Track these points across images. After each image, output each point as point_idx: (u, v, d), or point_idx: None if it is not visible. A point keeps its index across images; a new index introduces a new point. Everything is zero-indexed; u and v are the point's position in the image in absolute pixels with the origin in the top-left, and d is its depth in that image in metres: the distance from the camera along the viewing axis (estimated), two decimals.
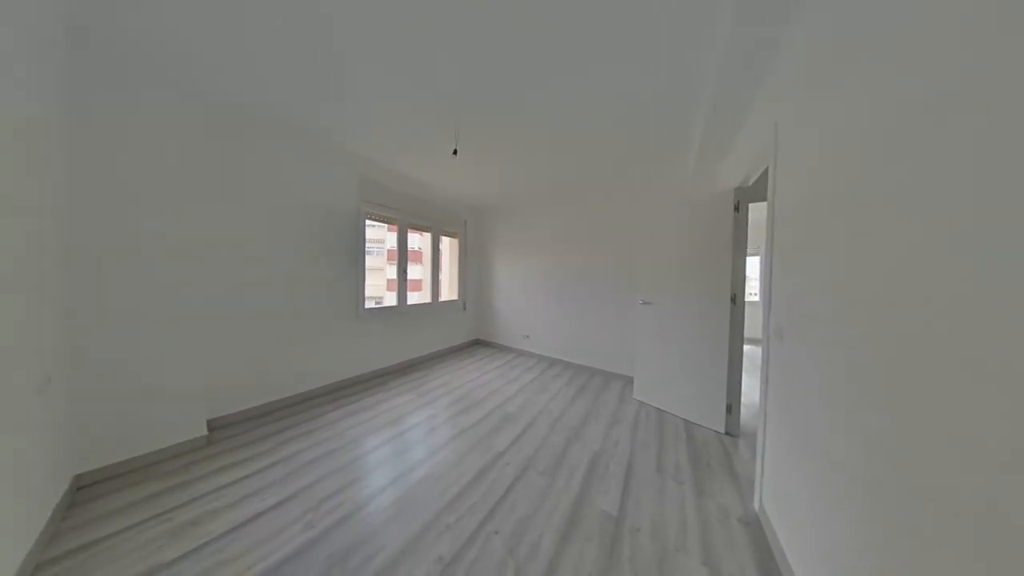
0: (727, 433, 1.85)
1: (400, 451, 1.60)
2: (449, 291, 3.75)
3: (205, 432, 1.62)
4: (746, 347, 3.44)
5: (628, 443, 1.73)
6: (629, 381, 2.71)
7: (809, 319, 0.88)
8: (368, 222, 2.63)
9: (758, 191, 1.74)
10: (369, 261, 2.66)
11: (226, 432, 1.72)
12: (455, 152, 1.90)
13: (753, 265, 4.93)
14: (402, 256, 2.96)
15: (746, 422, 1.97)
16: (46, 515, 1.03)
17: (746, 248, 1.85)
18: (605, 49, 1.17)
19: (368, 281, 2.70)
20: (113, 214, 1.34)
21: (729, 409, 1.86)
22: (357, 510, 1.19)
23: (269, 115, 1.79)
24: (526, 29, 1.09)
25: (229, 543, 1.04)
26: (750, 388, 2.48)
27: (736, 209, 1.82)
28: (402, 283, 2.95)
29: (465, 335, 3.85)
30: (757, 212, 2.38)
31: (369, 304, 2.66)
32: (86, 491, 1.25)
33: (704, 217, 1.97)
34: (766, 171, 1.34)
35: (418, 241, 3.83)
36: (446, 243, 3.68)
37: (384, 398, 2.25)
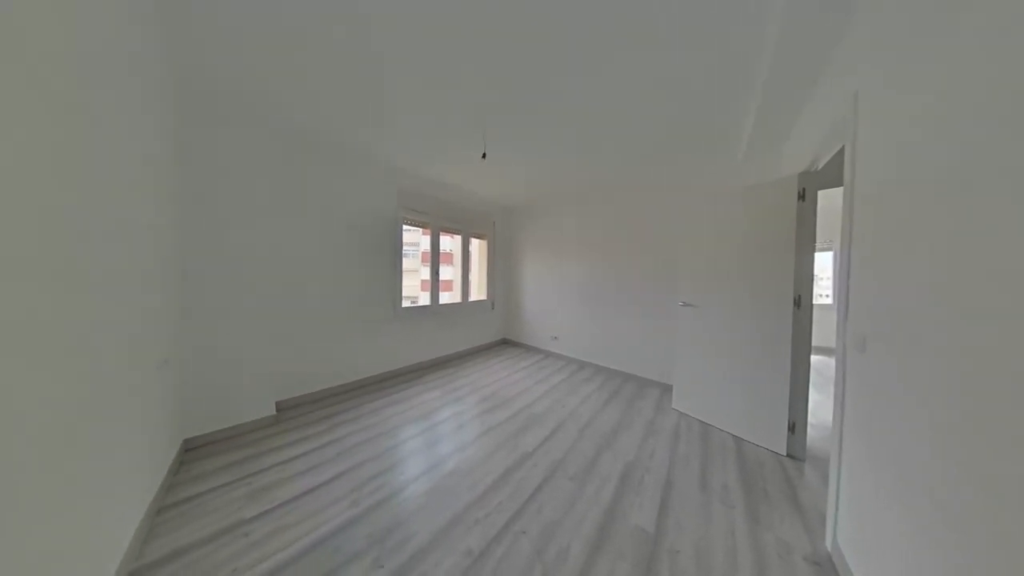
0: (789, 455, 1.62)
1: (431, 443, 1.68)
2: (478, 291, 3.85)
3: (274, 412, 1.88)
4: (814, 358, 2.96)
5: (666, 456, 1.60)
6: (667, 389, 2.52)
7: (901, 327, 0.73)
8: (405, 227, 2.82)
9: (829, 176, 1.49)
10: (405, 263, 2.85)
11: (290, 413, 1.97)
12: (484, 156, 1.94)
13: (823, 262, 4.24)
14: (435, 258, 3.12)
15: (813, 444, 1.70)
16: (165, 469, 1.29)
17: (814, 242, 1.60)
18: (643, 31, 1.10)
19: (404, 282, 2.89)
20: (212, 230, 1.62)
21: (792, 428, 1.62)
22: (394, 495, 1.28)
23: (326, 141, 2.02)
24: (555, 19, 1.07)
25: (291, 509, 1.19)
26: (819, 406, 2.15)
27: (801, 197, 1.58)
28: (435, 283, 3.11)
29: (493, 334, 3.91)
30: (828, 200, 2.04)
31: (405, 303, 2.84)
32: (191, 453, 1.53)
33: (760, 208, 1.74)
34: (840, 152, 1.14)
35: (449, 243, 3.99)
36: (476, 244, 3.78)
37: (418, 392, 2.38)
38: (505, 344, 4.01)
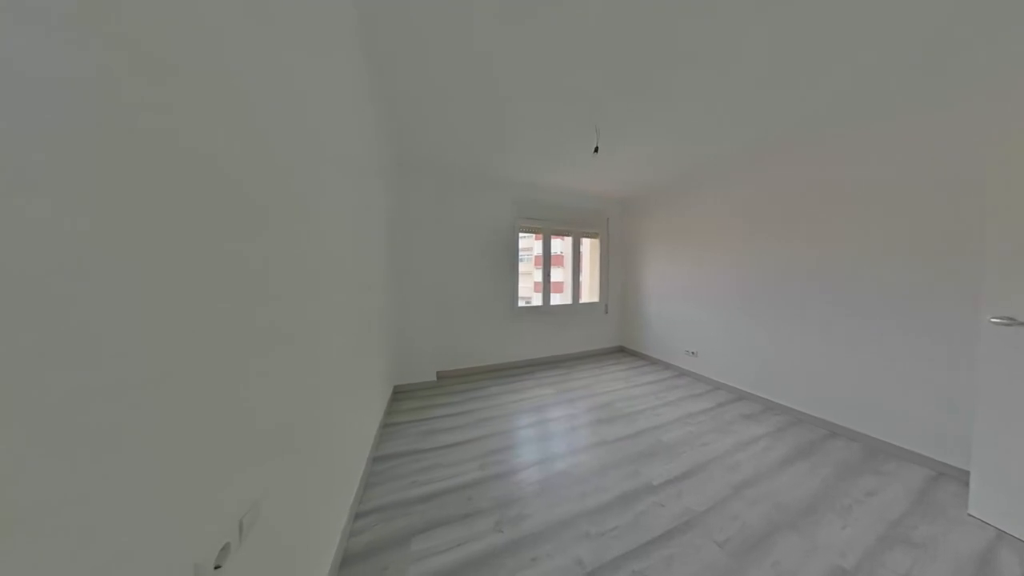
0: None
1: (544, 437, 1.75)
2: (590, 293, 3.67)
3: (435, 378, 2.58)
4: None
5: None
6: (946, 473, 1.42)
7: None
8: (520, 234, 3.12)
9: None
10: (520, 267, 3.14)
11: (444, 382, 2.63)
12: (596, 150, 1.83)
13: None
14: (546, 261, 3.25)
15: None
16: (385, 402, 2.05)
17: None
18: None
19: (520, 283, 3.19)
20: (406, 247, 2.46)
21: None
22: (512, 472, 1.43)
23: (463, 170, 2.60)
24: None
25: (444, 453, 1.58)
26: None
27: None
28: (546, 285, 3.24)
29: (607, 340, 3.60)
30: None
31: (520, 303, 3.13)
32: (396, 395, 2.35)
33: None
34: None
35: (559, 246, 4.04)
36: (587, 244, 3.63)
37: (531, 385, 2.55)
38: (622, 353, 3.60)
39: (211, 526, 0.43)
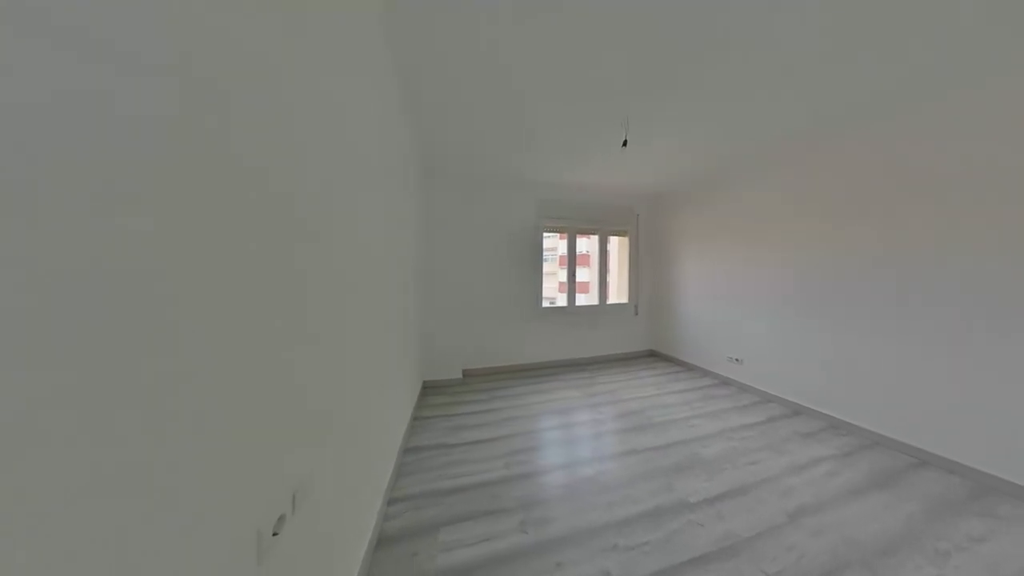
0: None
1: (569, 440, 1.72)
2: (618, 293, 3.51)
3: (461, 377, 2.66)
4: None
5: None
6: None
7: None
8: (544, 234, 3.08)
9: None
10: (544, 267, 3.10)
11: (468, 380, 2.70)
12: (624, 143, 1.74)
13: None
14: (571, 260, 3.17)
15: None
16: (416, 396, 2.16)
17: None
18: None
19: (544, 283, 3.16)
20: (432, 247, 2.57)
21: None
22: (536, 473, 1.42)
23: (488, 172, 2.63)
24: None
25: (469, 450, 1.61)
26: None
27: None
28: (571, 285, 3.16)
29: (637, 343, 3.41)
30: None
31: (544, 303, 3.09)
32: (425, 390, 2.46)
33: None
34: None
35: (585, 245, 3.92)
36: (614, 243, 3.48)
37: (557, 387, 2.51)
38: (653, 357, 3.39)
39: (270, 498, 0.48)
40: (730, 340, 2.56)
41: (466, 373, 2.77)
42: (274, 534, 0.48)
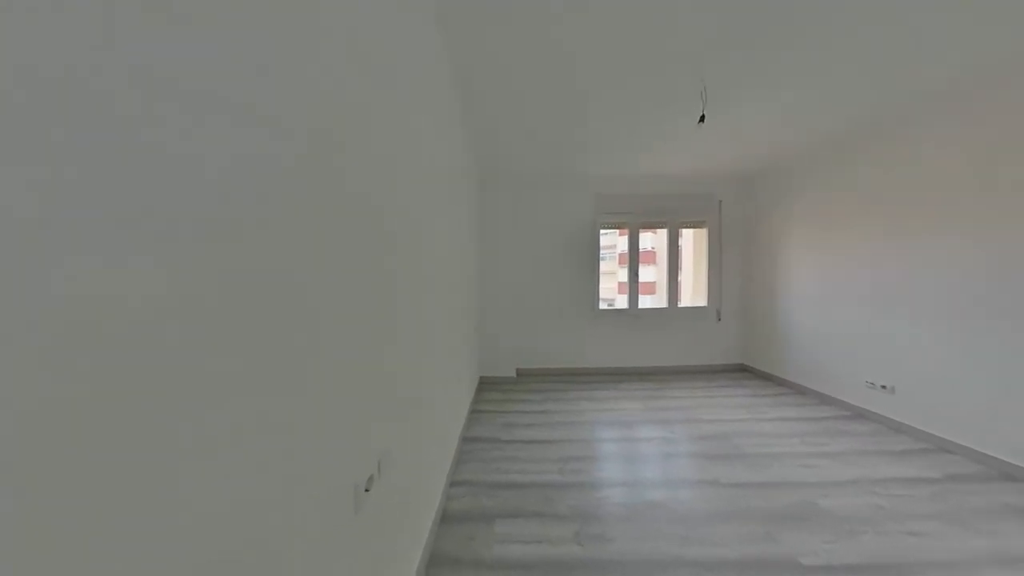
0: None
1: (630, 457, 1.58)
2: (693, 295, 3.03)
3: (515, 375, 2.73)
4: None
5: None
6: None
7: None
8: (602, 231, 2.89)
9: None
10: (602, 266, 2.93)
11: (522, 379, 2.75)
12: (702, 119, 1.49)
13: None
14: (633, 258, 2.90)
15: None
16: (474, 389, 2.32)
17: None
18: None
19: (602, 284, 2.96)
20: (487, 249, 2.71)
21: None
22: (593, 485, 1.34)
23: (542, 171, 2.63)
24: None
25: (520, 448, 1.64)
26: None
27: None
28: (633, 286, 2.88)
29: (721, 355, 2.89)
30: None
31: (602, 305, 2.90)
32: (482, 385, 2.62)
33: None
34: None
35: (651, 240, 3.53)
36: (688, 236, 3.02)
37: (614, 396, 2.33)
38: (745, 373, 2.81)
39: (364, 460, 0.59)
40: (871, 359, 1.91)
41: (520, 372, 2.83)
42: (366, 490, 0.58)
